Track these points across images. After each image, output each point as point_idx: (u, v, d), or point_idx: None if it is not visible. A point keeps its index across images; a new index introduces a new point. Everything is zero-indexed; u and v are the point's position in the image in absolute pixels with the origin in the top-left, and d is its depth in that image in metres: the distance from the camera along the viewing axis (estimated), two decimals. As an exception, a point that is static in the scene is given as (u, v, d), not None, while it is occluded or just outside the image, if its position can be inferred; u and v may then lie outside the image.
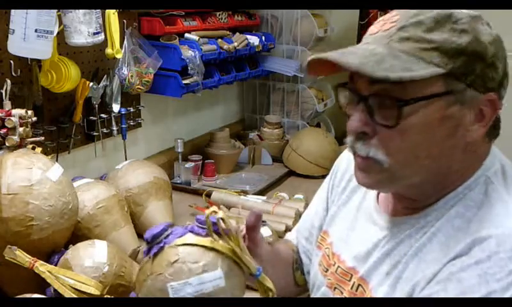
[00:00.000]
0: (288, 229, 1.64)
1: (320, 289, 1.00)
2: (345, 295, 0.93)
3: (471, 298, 0.72)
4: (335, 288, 0.96)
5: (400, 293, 0.82)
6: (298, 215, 1.67)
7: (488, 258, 0.72)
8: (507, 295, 0.70)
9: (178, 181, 2.04)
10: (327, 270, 0.99)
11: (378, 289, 0.87)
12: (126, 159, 1.84)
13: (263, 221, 1.48)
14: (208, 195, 1.82)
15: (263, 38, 2.36)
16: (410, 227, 0.85)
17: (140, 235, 1.52)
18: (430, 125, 0.77)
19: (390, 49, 0.77)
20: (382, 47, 0.77)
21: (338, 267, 0.97)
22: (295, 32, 2.47)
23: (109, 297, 1.11)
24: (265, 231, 1.45)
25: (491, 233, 0.74)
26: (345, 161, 1.07)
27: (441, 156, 0.80)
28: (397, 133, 0.78)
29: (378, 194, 0.95)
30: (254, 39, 2.30)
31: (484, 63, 0.77)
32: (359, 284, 0.91)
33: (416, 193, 0.86)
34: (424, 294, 0.77)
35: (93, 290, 1.08)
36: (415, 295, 0.79)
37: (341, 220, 1.01)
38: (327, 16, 2.57)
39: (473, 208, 0.80)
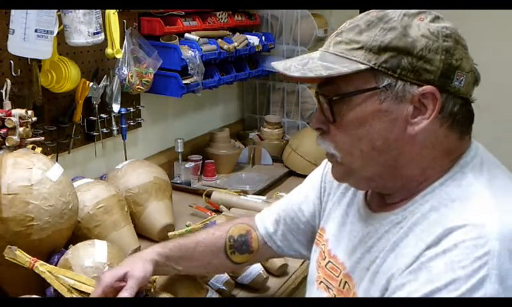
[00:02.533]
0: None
1: (312, 284, 1.04)
2: (333, 291, 0.96)
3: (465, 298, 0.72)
4: (321, 282, 1.00)
5: (377, 287, 0.84)
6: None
7: (454, 247, 0.74)
8: (470, 282, 0.71)
9: (178, 181, 2.04)
10: (319, 265, 1.02)
11: (360, 284, 0.89)
12: (126, 159, 1.84)
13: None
14: (208, 195, 1.82)
15: (263, 38, 2.36)
16: (389, 223, 0.87)
17: (140, 235, 1.52)
18: (367, 119, 0.83)
19: (323, 53, 0.85)
20: (319, 52, 0.86)
21: (329, 261, 0.99)
22: (295, 32, 2.47)
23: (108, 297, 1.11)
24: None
25: (460, 223, 0.76)
26: None
27: (388, 148, 0.83)
28: (340, 128, 0.85)
29: (367, 191, 0.98)
30: (254, 39, 2.30)
31: (411, 56, 0.79)
32: (345, 281, 0.93)
33: (380, 187, 0.90)
34: (397, 283, 0.79)
35: (93, 289, 1.07)
36: (390, 287, 0.81)
37: (335, 217, 1.03)
38: (327, 16, 2.57)
39: (447, 202, 0.81)
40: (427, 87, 0.80)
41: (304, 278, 1.33)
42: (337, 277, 0.96)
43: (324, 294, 0.98)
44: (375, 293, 0.85)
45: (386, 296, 0.82)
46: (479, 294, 0.71)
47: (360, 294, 0.89)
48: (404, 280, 0.78)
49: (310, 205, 1.13)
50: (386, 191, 0.91)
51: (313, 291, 1.03)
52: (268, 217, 1.20)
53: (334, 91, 0.84)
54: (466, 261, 0.73)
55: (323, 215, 1.08)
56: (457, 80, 0.81)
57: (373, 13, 0.84)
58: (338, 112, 0.84)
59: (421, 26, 0.81)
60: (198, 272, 1.22)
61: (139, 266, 1.06)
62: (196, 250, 1.17)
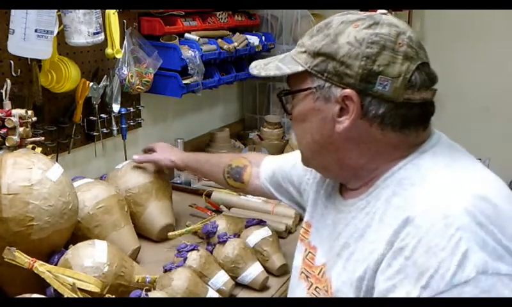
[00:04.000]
0: (288, 228, 1.65)
1: (294, 277, 1.08)
2: (311, 279, 1.00)
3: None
4: (302, 272, 1.04)
5: (351, 274, 0.86)
6: (298, 215, 1.67)
7: (426, 233, 0.76)
8: (455, 259, 0.73)
9: (178, 181, 2.04)
10: (302, 257, 1.07)
11: (333, 270, 0.93)
12: (126, 159, 1.84)
13: (263, 221, 1.49)
14: (208, 195, 1.82)
15: (263, 38, 2.36)
16: (356, 209, 0.92)
17: (140, 235, 1.52)
18: (305, 115, 0.93)
19: (285, 56, 0.96)
20: (285, 54, 0.97)
21: (309, 252, 1.03)
22: (295, 32, 2.47)
23: (109, 296, 1.11)
24: (265, 231, 1.45)
25: (424, 208, 0.79)
26: None
27: (325, 143, 0.92)
28: (293, 121, 0.98)
29: None
30: (254, 39, 2.30)
31: (335, 62, 0.87)
32: (321, 269, 0.97)
33: (334, 176, 1.00)
34: (387, 286, 0.80)
35: (93, 287, 1.08)
36: (377, 285, 0.82)
37: (318, 211, 1.07)
38: (327, 16, 2.56)
39: (408, 187, 0.85)
40: (346, 91, 0.86)
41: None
42: (315, 265, 1.00)
43: (304, 284, 1.02)
44: (349, 281, 0.87)
45: (375, 296, 0.82)
46: (470, 267, 0.72)
47: (334, 280, 0.92)
48: (394, 281, 0.79)
49: (298, 172, 1.24)
50: (342, 180, 0.99)
51: (294, 282, 1.07)
52: (269, 165, 1.40)
53: (286, 88, 0.97)
54: (443, 242, 0.75)
55: (307, 208, 1.13)
56: (380, 84, 0.85)
57: (326, 20, 0.93)
58: (291, 107, 0.97)
59: (350, 33, 0.87)
60: (207, 179, 1.81)
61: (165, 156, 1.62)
62: (205, 166, 1.56)
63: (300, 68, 0.91)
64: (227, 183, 1.49)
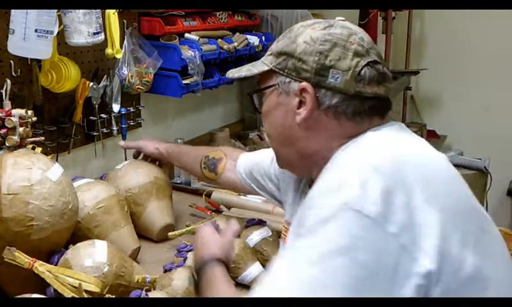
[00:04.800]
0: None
1: None
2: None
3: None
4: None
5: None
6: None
7: (309, 198, 0.84)
8: (335, 192, 0.78)
9: (178, 181, 2.04)
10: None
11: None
12: (126, 159, 1.84)
13: (263, 221, 1.49)
14: (208, 195, 1.81)
15: (263, 38, 2.36)
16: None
17: (140, 235, 1.52)
18: (271, 110, 1.03)
19: (257, 61, 1.07)
20: (257, 61, 1.07)
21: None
22: (295, 32, 2.47)
23: (109, 296, 1.11)
24: (265, 231, 1.45)
25: (336, 164, 0.89)
26: None
27: (288, 134, 1.01)
28: (263, 117, 1.07)
29: None
30: (254, 39, 2.30)
31: (294, 59, 0.97)
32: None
33: (296, 170, 1.10)
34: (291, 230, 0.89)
35: (93, 287, 1.08)
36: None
37: (298, 208, 1.10)
38: (327, 16, 2.57)
39: (339, 161, 0.92)
40: (303, 84, 0.96)
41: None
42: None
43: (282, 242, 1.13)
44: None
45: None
46: (341, 197, 0.77)
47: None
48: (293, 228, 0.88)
49: (276, 169, 1.30)
50: (306, 172, 1.07)
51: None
52: (247, 161, 1.45)
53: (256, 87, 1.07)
54: (312, 202, 0.82)
55: (286, 208, 1.22)
56: (332, 77, 0.95)
57: (292, 26, 1.03)
58: (260, 104, 1.07)
59: (307, 34, 0.97)
60: (186, 171, 1.85)
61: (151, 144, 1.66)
62: (184, 157, 1.62)
63: (266, 68, 1.02)
64: (202, 174, 1.55)
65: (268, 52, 1.04)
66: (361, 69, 0.94)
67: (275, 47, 1.03)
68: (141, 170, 1.62)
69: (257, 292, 0.79)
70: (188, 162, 1.61)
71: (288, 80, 0.99)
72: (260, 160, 1.40)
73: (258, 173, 1.40)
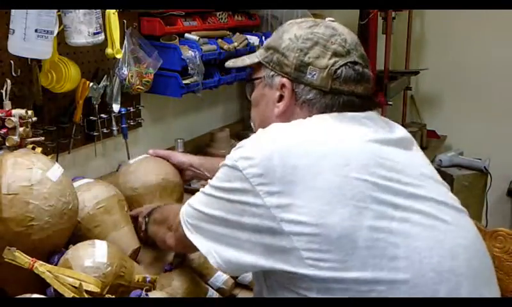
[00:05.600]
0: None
1: None
2: None
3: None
4: None
5: None
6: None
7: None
8: (212, 182, 0.99)
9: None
10: None
11: None
12: (129, 158, 1.83)
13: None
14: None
15: (263, 38, 2.36)
16: None
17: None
18: (256, 100, 1.12)
19: (253, 53, 1.15)
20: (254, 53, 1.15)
21: None
22: (295, 32, 2.47)
23: (109, 296, 1.11)
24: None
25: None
26: None
27: (266, 122, 1.04)
28: (251, 107, 1.15)
29: None
30: (254, 39, 2.30)
31: (278, 53, 1.05)
32: None
33: None
34: None
35: (93, 287, 1.08)
36: None
37: None
38: (327, 16, 2.56)
39: None
40: (283, 80, 1.04)
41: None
42: None
43: None
44: None
45: None
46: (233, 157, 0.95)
47: None
48: None
49: None
50: None
51: None
52: None
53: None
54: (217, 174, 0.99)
55: None
56: (310, 74, 1.01)
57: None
58: (250, 93, 1.14)
59: (293, 31, 1.04)
60: None
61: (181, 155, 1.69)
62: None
63: (256, 60, 1.11)
64: None
65: (262, 45, 1.14)
66: (339, 68, 1.00)
67: (267, 41, 1.12)
68: (151, 169, 1.58)
69: (186, 204, 1.06)
70: None
71: (272, 73, 1.06)
72: None
73: None
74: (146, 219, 1.36)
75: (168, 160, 1.61)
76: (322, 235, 0.85)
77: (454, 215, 0.96)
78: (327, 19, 1.09)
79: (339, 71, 1.00)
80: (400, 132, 1.06)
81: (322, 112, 1.01)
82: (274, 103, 1.06)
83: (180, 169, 1.62)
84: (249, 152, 0.93)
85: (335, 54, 1.01)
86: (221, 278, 1.30)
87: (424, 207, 0.92)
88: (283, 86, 1.04)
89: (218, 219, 0.97)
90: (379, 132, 0.99)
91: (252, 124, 1.16)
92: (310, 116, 1.01)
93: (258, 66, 1.11)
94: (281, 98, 1.05)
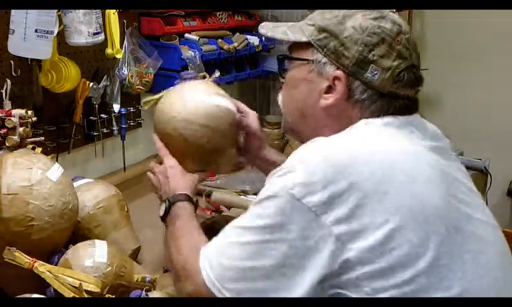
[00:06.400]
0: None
1: None
2: None
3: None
4: None
5: None
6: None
7: (270, 175, 0.89)
8: (264, 194, 0.86)
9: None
10: None
11: None
12: (124, 161, 1.83)
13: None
14: (208, 195, 1.81)
15: (263, 38, 2.36)
16: None
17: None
18: (296, 82, 1.01)
19: (294, 25, 1.02)
20: (293, 23, 1.02)
21: None
22: (295, 32, 2.47)
23: (109, 296, 1.11)
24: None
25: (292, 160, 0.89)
26: None
27: (305, 112, 0.99)
28: (284, 85, 1.05)
29: None
30: (254, 39, 2.29)
31: (337, 41, 0.94)
32: None
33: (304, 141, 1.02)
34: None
35: (93, 287, 1.08)
36: None
37: None
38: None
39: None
40: (338, 72, 0.93)
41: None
42: None
43: None
44: None
45: None
46: (285, 180, 0.83)
47: None
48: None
49: None
50: (305, 141, 1.03)
51: None
52: None
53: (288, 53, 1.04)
54: (267, 185, 0.87)
55: None
56: (371, 72, 0.92)
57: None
58: (285, 72, 1.04)
59: (357, 20, 0.93)
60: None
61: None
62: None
63: (304, 39, 0.97)
64: None
65: (309, 21, 0.99)
66: (401, 71, 0.93)
67: (320, 20, 0.97)
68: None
69: (209, 244, 0.92)
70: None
71: (324, 60, 0.95)
72: None
73: None
74: (166, 205, 1.13)
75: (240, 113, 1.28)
76: (387, 265, 0.79)
77: (495, 233, 0.95)
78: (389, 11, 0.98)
79: (401, 74, 0.93)
80: (440, 134, 1.05)
81: (374, 116, 0.93)
82: (321, 93, 0.96)
83: (247, 132, 1.31)
84: (305, 177, 0.82)
85: (399, 55, 0.93)
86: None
87: (480, 231, 0.89)
88: (336, 78, 0.94)
89: (270, 270, 0.83)
90: (430, 139, 0.96)
91: (281, 103, 1.07)
92: (360, 117, 0.93)
93: (303, 44, 0.98)
94: (329, 89, 0.95)
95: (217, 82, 1.34)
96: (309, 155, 0.85)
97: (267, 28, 1.06)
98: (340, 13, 0.95)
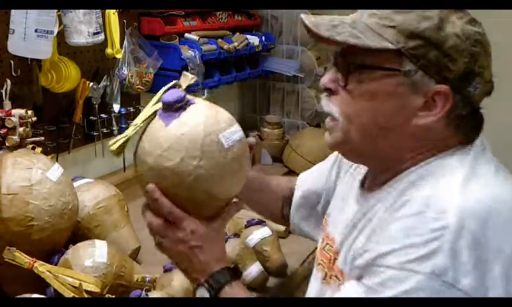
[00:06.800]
0: (288, 229, 1.64)
1: (314, 267, 1.05)
2: (326, 271, 0.97)
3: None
4: (319, 263, 1.01)
5: (360, 262, 0.83)
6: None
7: (414, 215, 0.76)
8: (423, 250, 0.73)
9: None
10: (320, 248, 1.04)
11: (340, 257, 0.92)
12: (124, 161, 1.82)
13: (263, 221, 1.49)
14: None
15: (263, 38, 2.36)
16: (373, 200, 0.89)
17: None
18: (377, 96, 0.83)
19: (354, 20, 0.85)
20: (349, 18, 0.86)
21: (327, 244, 1.01)
22: (295, 32, 2.47)
23: (109, 296, 1.11)
24: (265, 231, 1.45)
25: (425, 194, 0.78)
26: None
27: (387, 130, 0.84)
28: (350, 95, 0.85)
29: (365, 175, 0.99)
30: (254, 39, 2.30)
31: (439, 52, 0.79)
32: (335, 258, 0.95)
33: (367, 163, 0.94)
34: (361, 247, 0.83)
35: (93, 287, 1.08)
36: (356, 254, 0.84)
37: (336, 203, 1.06)
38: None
39: (424, 177, 0.83)
40: (443, 87, 0.80)
41: (305, 278, 1.33)
42: (330, 255, 0.98)
43: (319, 274, 1.01)
44: (356, 268, 0.85)
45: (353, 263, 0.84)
46: (429, 264, 0.72)
47: (340, 265, 0.91)
48: (369, 245, 0.81)
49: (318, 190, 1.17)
50: (372, 169, 0.93)
51: (313, 273, 1.05)
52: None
53: (356, 59, 0.84)
54: (423, 231, 0.74)
55: (329, 202, 1.10)
56: (473, 86, 0.81)
57: None
58: (354, 79, 0.84)
59: (456, 24, 0.81)
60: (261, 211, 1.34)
61: None
62: (264, 192, 1.25)
63: (390, 46, 0.80)
64: (282, 214, 1.25)
65: (384, 21, 0.82)
66: (492, 82, 0.84)
67: (403, 22, 0.80)
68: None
69: None
70: (265, 200, 1.26)
71: (420, 73, 0.80)
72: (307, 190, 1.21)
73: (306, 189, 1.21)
74: (211, 294, 0.89)
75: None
76: None
77: None
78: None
79: (491, 86, 0.84)
80: None
81: (466, 136, 0.84)
82: (415, 111, 0.81)
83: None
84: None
85: (490, 64, 0.84)
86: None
87: None
88: (437, 93, 0.80)
89: None
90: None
91: (342, 115, 0.86)
92: (453, 138, 0.84)
93: (386, 51, 0.81)
94: (425, 106, 0.81)
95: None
96: (449, 214, 0.74)
97: (325, 28, 0.85)
98: (433, 14, 0.80)
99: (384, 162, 0.88)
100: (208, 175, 0.87)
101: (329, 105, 0.88)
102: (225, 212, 0.94)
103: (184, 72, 1.04)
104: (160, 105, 0.97)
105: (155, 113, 0.96)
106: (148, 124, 0.96)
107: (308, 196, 1.20)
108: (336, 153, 1.13)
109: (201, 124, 0.89)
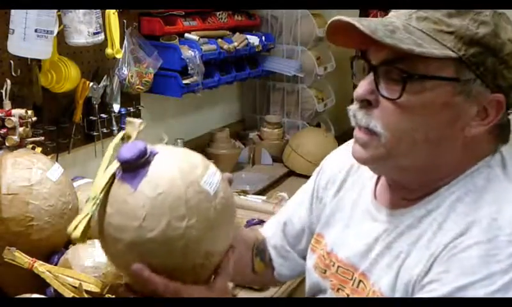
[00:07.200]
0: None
1: (326, 293, 0.99)
2: (347, 292, 0.92)
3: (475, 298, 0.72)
4: (339, 289, 0.95)
5: (401, 281, 0.81)
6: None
7: (488, 241, 0.73)
8: (507, 278, 0.70)
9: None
10: (325, 271, 0.98)
11: (380, 281, 0.86)
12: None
13: (263, 221, 1.49)
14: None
15: (263, 38, 2.36)
16: (411, 217, 0.85)
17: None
18: (432, 108, 0.77)
19: (406, 24, 0.77)
20: (399, 21, 0.78)
21: (339, 266, 0.96)
22: (295, 32, 2.47)
23: (109, 296, 1.11)
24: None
25: (491, 215, 0.75)
26: (336, 162, 1.05)
27: (439, 143, 0.79)
28: (399, 108, 0.78)
29: (375, 189, 0.94)
30: (254, 39, 2.30)
31: (497, 59, 0.76)
32: (360, 280, 0.90)
33: (409, 180, 0.86)
34: (427, 279, 0.77)
35: (93, 287, 1.08)
36: (413, 281, 0.79)
37: (336, 221, 1.00)
38: (327, 16, 2.57)
39: (474, 193, 0.80)
40: (499, 96, 0.77)
41: (305, 278, 1.33)
42: (350, 279, 0.92)
43: (327, 283, 0.96)
44: (400, 287, 0.82)
45: (416, 292, 0.79)
46: None
47: (385, 290, 0.84)
48: (434, 276, 0.76)
49: (301, 217, 1.09)
50: (412, 185, 0.86)
51: (314, 281, 1.00)
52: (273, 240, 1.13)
53: (408, 67, 0.77)
54: (501, 256, 0.71)
55: (319, 222, 1.04)
56: None
57: None
58: (411, 91, 0.77)
59: (507, 29, 0.78)
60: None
61: None
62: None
63: (452, 54, 0.75)
64: (252, 267, 1.10)
65: (441, 26, 0.76)
66: None
67: (460, 25, 0.76)
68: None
69: None
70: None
71: (478, 81, 0.76)
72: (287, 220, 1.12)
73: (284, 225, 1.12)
74: None
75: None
76: None
77: None
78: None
79: None
80: None
81: (499, 144, 0.83)
82: (469, 120, 0.78)
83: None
84: None
85: None
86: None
87: None
88: (491, 102, 0.77)
89: None
90: None
91: (384, 129, 0.79)
92: (489, 144, 0.82)
93: (443, 59, 0.76)
94: (477, 115, 0.78)
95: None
96: None
97: (383, 33, 0.75)
98: (487, 19, 0.77)
99: (425, 175, 0.84)
100: (201, 234, 0.74)
101: (370, 119, 0.80)
102: (223, 266, 0.81)
103: (128, 119, 0.87)
104: (116, 165, 0.80)
105: (113, 176, 0.79)
106: (108, 192, 0.79)
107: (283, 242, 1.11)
108: (313, 177, 1.08)
109: (178, 176, 0.74)
